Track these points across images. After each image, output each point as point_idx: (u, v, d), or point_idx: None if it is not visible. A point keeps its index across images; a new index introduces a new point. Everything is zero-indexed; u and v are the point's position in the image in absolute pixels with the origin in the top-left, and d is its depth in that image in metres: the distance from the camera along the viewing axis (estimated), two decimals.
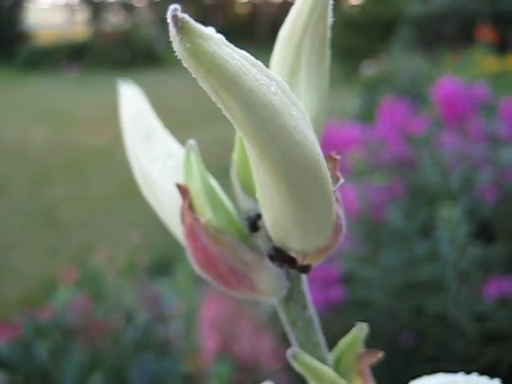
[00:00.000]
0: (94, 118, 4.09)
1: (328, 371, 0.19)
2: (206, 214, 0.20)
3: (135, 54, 6.69)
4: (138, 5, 9.19)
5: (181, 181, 0.21)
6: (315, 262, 0.19)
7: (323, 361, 0.20)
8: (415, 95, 1.93)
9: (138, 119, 0.23)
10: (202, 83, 0.14)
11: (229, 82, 0.13)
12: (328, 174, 0.16)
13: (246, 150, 0.18)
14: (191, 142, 0.20)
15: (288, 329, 0.21)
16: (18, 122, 4.02)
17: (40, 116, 4.17)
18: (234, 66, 0.13)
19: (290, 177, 0.15)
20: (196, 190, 0.20)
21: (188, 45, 0.13)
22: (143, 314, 1.03)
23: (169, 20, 0.13)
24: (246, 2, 10.04)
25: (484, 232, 1.02)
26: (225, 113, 0.14)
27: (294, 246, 0.18)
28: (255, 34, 8.23)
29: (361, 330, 0.20)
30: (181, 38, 0.13)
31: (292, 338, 0.21)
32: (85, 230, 2.21)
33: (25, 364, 0.90)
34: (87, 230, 2.20)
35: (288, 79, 0.19)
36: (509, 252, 0.99)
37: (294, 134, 0.14)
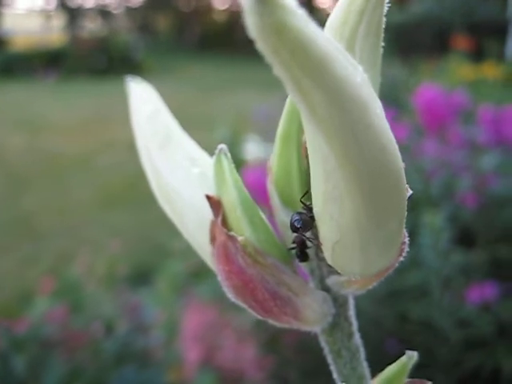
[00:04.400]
0: (71, 124, 4.04)
1: None
2: (243, 232, 0.17)
3: (112, 60, 6.64)
4: (115, 11, 9.15)
5: (209, 191, 0.17)
6: (363, 288, 0.17)
7: None
8: (393, 102, 1.95)
9: (152, 121, 0.20)
10: (278, 70, 0.11)
11: (316, 67, 0.10)
12: (405, 183, 0.14)
13: (293, 158, 0.16)
14: (222, 145, 0.17)
15: (330, 360, 0.18)
16: None
17: (16, 123, 4.10)
18: (323, 47, 0.10)
19: (372, 187, 0.13)
20: (231, 202, 0.17)
21: (270, 19, 0.10)
22: (123, 325, 1.02)
23: None
24: (223, 10, 10.06)
25: (465, 238, 1.03)
26: (301, 107, 0.12)
27: (355, 269, 0.15)
28: (233, 42, 8.24)
29: (410, 358, 0.17)
30: (261, 10, 0.10)
31: (335, 370, 0.18)
32: (63, 238, 2.17)
33: (1, 377, 0.87)
34: (65, 238, 2.17)
35: None
36: (489, 257, 0.99)
37: (381, 137, 0.12)
